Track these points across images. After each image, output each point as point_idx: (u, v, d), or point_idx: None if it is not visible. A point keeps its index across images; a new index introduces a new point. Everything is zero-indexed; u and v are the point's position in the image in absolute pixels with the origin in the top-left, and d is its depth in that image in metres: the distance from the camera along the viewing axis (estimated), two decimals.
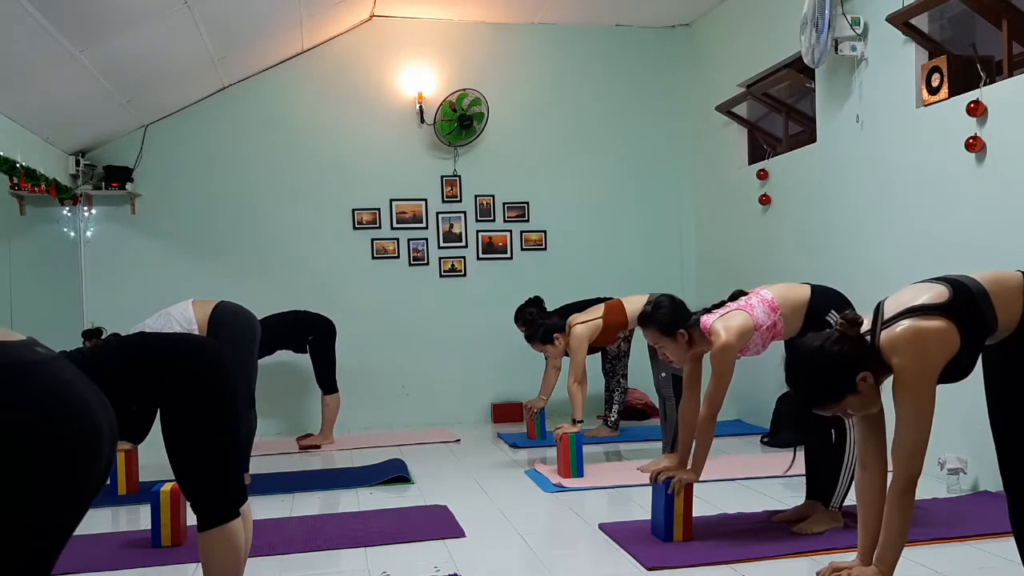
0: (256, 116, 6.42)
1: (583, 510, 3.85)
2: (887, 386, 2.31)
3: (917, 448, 2.23)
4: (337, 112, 6.54)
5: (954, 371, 2.26)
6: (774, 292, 3.31)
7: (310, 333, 5.70)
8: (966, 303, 2.23)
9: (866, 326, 2.36)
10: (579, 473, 4.42)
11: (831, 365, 2.29)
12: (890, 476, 2.30)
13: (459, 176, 6.71)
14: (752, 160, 6.14)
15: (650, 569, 2.97)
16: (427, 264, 6.68)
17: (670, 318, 3.39)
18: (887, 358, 2.25)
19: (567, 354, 5.06)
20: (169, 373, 2.28)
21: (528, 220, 6.81)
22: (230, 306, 4.43)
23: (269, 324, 5.08)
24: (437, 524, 3.63)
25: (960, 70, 4.05)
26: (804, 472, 3.54)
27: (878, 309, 2.36)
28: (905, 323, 2.23)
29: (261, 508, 3.84)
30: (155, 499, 3.42)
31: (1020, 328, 2.26)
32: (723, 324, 3.20)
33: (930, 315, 2.22)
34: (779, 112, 5.85)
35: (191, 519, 2.44)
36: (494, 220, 6.78)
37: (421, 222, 6.67)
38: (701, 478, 3.27)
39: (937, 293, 2.26)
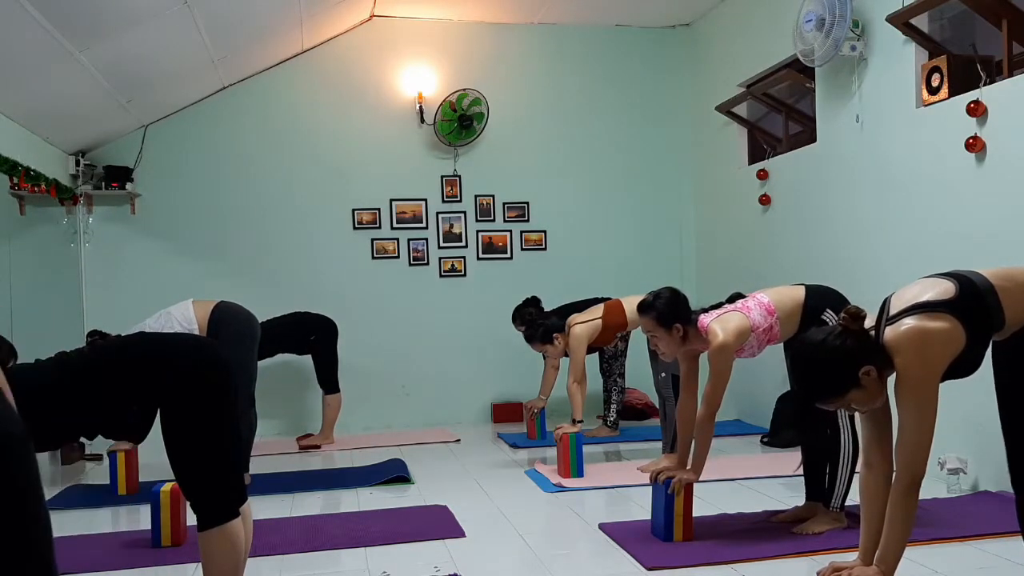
0: (256, 116, 6.41)
1: (583, 510, 3.85)
2: (891, 383, 2.30)
3: (920, 448, 2.22)
4: (337, 112, 6.53)
5: (960, 367, 2.25)
6: (770, 296, 3.32)
7: (312, 333, 5.69)
8: (972, 299, 2.21)
9: (871, 321, 2.36)
10: (579, 473, 4.42)
11: (834, 358, 2.28)
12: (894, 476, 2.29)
13: (459, 176, 6.71)
14: (752, 160, 6.13)
15: (650, 569, 2.97)
16: (427, 264, 6.67)
17: (669, 309, 3.39)
18: (891, 355, 2.25)
19: (566, 354, 5.07)
20: (169, 373, 2.28)
21: (528, 220, 6.81)
22: (230, 306, 4.43)
23: (269, 328, 5.05)
24: (437, 524, 3.63)
25: (960, 70, 4.05)
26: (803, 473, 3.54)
27: (884, 304, 2.36)
28: (909, 322, 2.22)
29: (261, 508, 3.83)
30: (155, 499, 3.41)
31: None
32: (720, 325, 3.22)
33: (935, 313, 2.20)
34: (779, 112, 5.85)
35: (191, 519, 2.43)
36: (494, 220, 6.78)
37: (421, 222, 6.67)
38: (701, 478, 3.28)
39: (943, 289, 2.24)
